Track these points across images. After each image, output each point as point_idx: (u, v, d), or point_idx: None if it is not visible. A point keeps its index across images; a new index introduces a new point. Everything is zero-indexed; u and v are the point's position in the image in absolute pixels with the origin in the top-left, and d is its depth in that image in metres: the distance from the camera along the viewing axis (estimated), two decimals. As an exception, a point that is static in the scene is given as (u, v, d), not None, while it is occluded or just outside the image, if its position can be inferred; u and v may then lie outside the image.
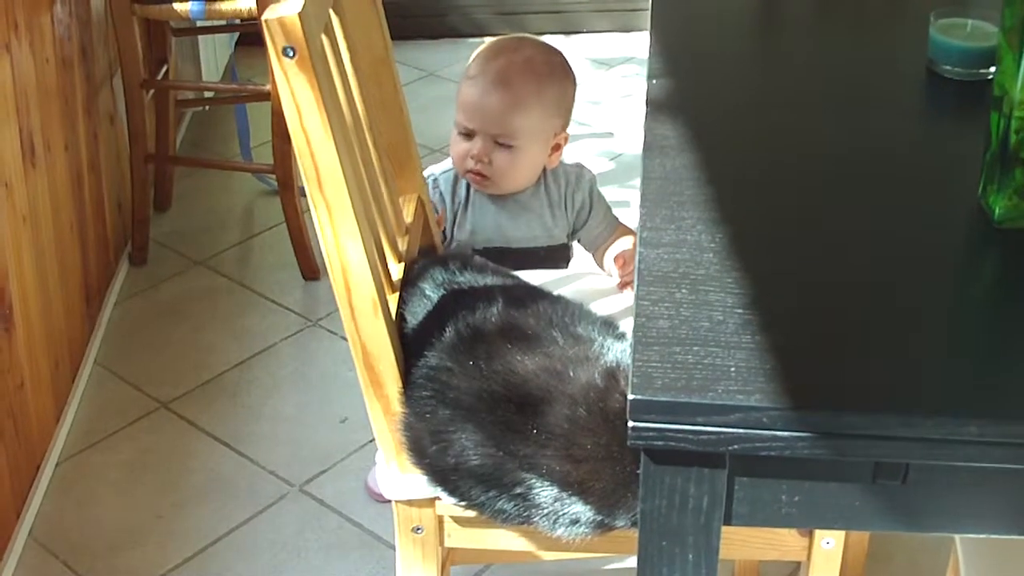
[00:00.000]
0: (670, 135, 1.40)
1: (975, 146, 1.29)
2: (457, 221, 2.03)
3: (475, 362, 1.42)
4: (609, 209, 2.12)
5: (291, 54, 1.27)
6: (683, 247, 1.20)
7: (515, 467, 1.37)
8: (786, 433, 1.01)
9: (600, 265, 2.07)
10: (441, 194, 2.03)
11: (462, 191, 2.03)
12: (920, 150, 1.43)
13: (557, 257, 2.07)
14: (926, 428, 1.01)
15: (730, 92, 1.56)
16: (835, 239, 1.24)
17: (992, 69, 1.34)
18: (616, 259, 1.98)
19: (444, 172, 2.06)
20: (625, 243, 2.04)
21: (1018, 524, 1.10)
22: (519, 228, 2.03)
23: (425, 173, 2.06)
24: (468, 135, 1.97)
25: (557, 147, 2.02)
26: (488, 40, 2.08)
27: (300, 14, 1.25)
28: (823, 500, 1.09)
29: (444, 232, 2.03)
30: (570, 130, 2.04)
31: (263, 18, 1.27)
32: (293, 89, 1.29)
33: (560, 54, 2.04)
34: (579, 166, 2.11)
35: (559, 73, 2.01)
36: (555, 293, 1.58)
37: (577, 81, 2.05)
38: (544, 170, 2.04)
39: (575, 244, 2.13)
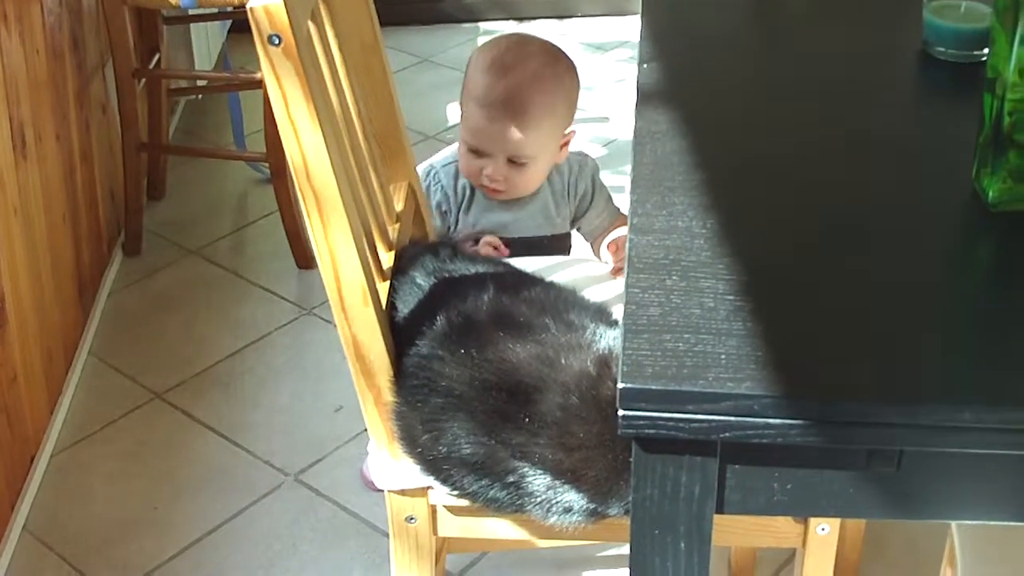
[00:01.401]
0: (661, 120, 1.39)
1: (969, 128, 1.28)
2: (460, 215, 2.01)
3: (467, 350, 1.41)
4: (610, 199, 2.11)
5: (277, 42, 1.26)
6: (674, 233, 1.19)
7: (507, 455, 1.36)
8: (778, 420, 1.00)
9: (598, 255, 2.06)
10: (443, 187, 2.01)
11: (464, 187, 2.01)
12: (914, 132, 1.42)
13: (560, 246, 2.07)
14: (920, 415, 1.00)
15: (722, 76, 1.55)
16: (828, 223, 1.23)
17: (986, 51, 1.33)
18: (609, 245, 1.97)
19: (444, 164, 2.03)
20: (623, 230, 2.03)
21: (1014, 510, 1.10)
22: (523, 220, 2.02)
23: (424, 164, 2.04)
24: (479, 154, 1.95)
25: (566, 143, 2.01)
26: (483, 39, 2.04)
27: (286, 1, 1.24)
28: (816, 488, 1.08)
29: (449, 224, 2.02)
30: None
31: (248, 5, 1.25)
32: (279, 78, 1.28)
33: (564, 57, 1.99)
34: (582, 155, 2.09)
35: (566, 81, 1.96)
36: (547, 280, 1.57)
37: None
38: None
39: (574, 232, 2.12)
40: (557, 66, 1.95)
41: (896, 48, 1.59)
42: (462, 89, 1.97)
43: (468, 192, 2.01)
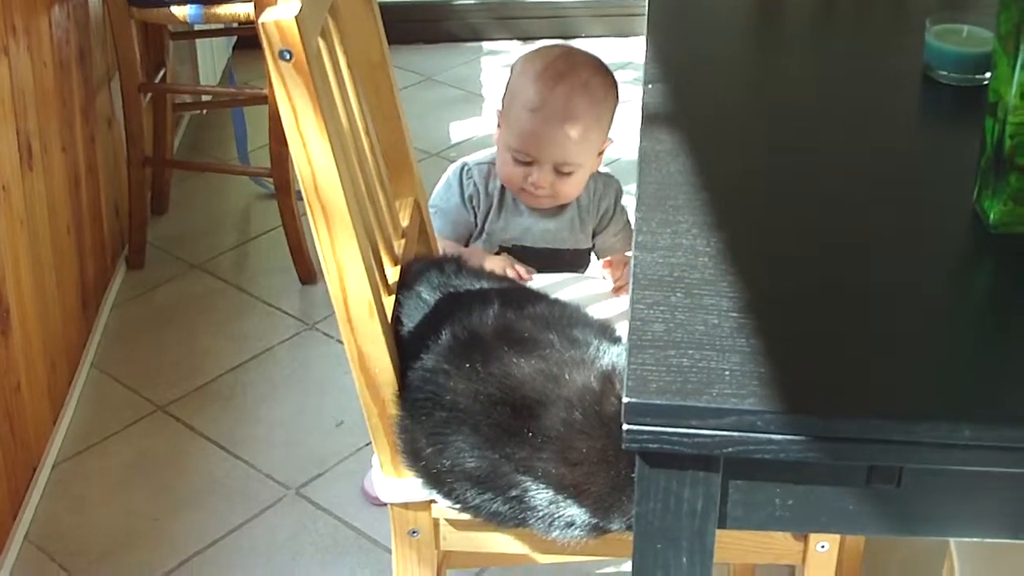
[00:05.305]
0: (666, 140, 1.41)
1: (971, 151, 1.30)
2: (491, 215, 2.03)
3: (471, 365, 1.42)
4: (629, 223, 2.12)
5: (288, 57, 1.27)
6: (678, 251, 1.21)
7: (510, 470, 1.37)
8: (780, 436, 1.01)
9: None
10: (475, 183, 2.03)
11: (496, 188, 2.03)
12: (916, 155, 1.43)
13: (579, 261, 2.09)
14: (920, 432, 1.01)
15: (726, 97, 1.57)
16: (830, 243, 1.25)
17: (987, 74, 1.35)
18: (605, 263, 1.99)
19: (478, 163, 2.06)
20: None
21: (1012, 527, 1.11)
22: (549, 231, 2.04)
23: (458, 163, 2.06)
24: (523, 161, 1.96)
25: (601, 152, 2.03)
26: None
27: (297, 17, 1.26)
28: (817, 504, 1.09)
29: (476, 223, 2.04)
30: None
31: (259, 21, 1.27)
32: (289, 92, 1.29)
33: (609, 70, 2.02)
34: (608, 175, 2.13)
35: (613, 92, 2.00)
36: (552, 296, 1.59)
37: None
38: None
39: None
40: (606, 77, 2.00)
41: (898, 71, 1.61)
42: (504, 98, 2.00)
43: (498, 195, 2.03)
